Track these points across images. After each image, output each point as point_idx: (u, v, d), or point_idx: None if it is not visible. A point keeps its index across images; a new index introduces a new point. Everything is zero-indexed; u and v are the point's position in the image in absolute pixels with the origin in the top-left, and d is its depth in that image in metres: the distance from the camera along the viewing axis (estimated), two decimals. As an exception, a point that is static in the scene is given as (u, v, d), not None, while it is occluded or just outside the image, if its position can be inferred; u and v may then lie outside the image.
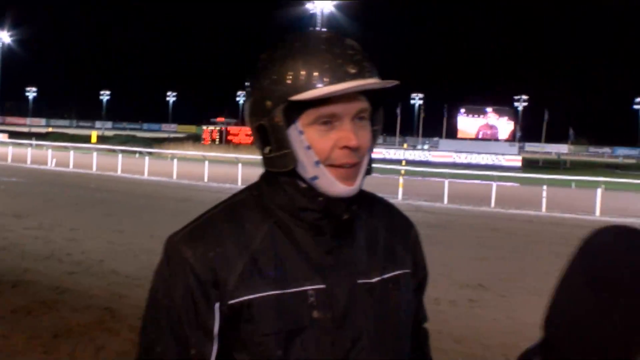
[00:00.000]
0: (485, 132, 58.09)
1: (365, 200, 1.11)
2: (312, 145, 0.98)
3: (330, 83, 0.95)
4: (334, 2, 52.32)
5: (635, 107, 78.35)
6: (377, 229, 1.11)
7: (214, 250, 0.99)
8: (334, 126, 0.98)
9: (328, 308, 0.99)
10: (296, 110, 0.97)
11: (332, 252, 1.03)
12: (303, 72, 0.96)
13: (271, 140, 0.99)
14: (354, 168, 1.00)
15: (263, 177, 1.08)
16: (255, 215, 1.03)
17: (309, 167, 0.99)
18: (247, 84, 1.04)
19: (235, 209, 1.05)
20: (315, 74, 0.96)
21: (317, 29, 1.03)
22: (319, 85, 0.95)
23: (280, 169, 1.00)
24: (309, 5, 52.17)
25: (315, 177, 0.99)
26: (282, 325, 0.97)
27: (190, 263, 0.98)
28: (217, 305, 0.98)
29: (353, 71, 0.96)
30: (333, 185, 0.99)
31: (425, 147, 55.37)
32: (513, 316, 5.89)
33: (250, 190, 1.09)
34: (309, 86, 0.95)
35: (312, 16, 51.98)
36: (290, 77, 0.96)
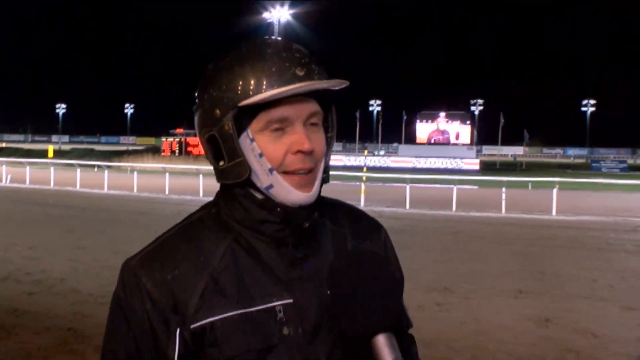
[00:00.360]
0: (437, 137, 58.70)
1: (329, 207, 1.09)
2: (265, 152, 0.95)
3: (279, 86, 0.93)
4: (291, 11, 52.43)
5: (583, 108, 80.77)
6: (344, 236, 1.07)
7: (171, 272, 0.95)
8: (285, 131, 0.95)
9: (298, 323, 0.96)
10: (246, 117, 0.95)
11: (297, 264, 0.99)
12: (251, 78, 0.94)
13: (223, 151, 0.97)
14: (309, 174, 0.97)
15: (219, 193, 1.04)
16: (214, 232, 1.00)
17: (262, 175, 0.96)
18: (195, 95, 1.02)
19: (192, 228, 1.01)
20: (263, 78, 0.94)
21: (266, 36, 1.02)
22: (268, 89, 0.93)
23: (235, 180, 0.97)
24: (266, 15, 52.14)
25: (270, 186, 0.96)
26: (250, 345, 0.93)
27: (147, 289, 0.94)
28: (177, 331, 0.94)
29: (301, 73, 0.95)
30: (289, 193, 0.96)
31: (382, 152, 55.57)
32: (479, 318, 5.96)
33: (208, 207, 1.05)
34: (257, 91, 0.93)
35: (270, 25, 51.98)
36: (238, 83, 0.94)
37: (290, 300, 0.96)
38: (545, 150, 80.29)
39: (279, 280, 0.97)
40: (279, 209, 0.97)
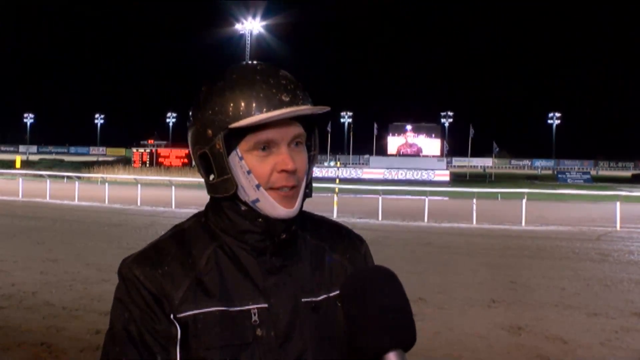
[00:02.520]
0: (406, 149, 58.97)
1: (312, 223, 1.18)
2: (252, 170, 1.04)
3: (266, 111, 1.02)
4: (263, 24, 52.51)
5: (550, 121, 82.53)
6: (323, 249, 1.15)
7: (161, 269, 1.04)
8: (271, 152, 1.04)
9: (271, 326, 1.03)
10: (236, 137, 1.03)
11: (275, 272, 1.07)
12: (241, 102, 1.03)
13: (213, 167, 1.05)
14: (293, 191, 1.05)
15: (208, 205, 1.13)
16: (201, 239, 1.09)
17: (250, 190, 1.05)
18: (189, 114, 1.10)
19: (182, 234, 1.10)
20: (252, 103, 1.02)
21: (253, 61, 1.11)
22: (256, 113, 1.02)
23: (223, 194, 1.06)
24: (238, 27, 52.13)
25: (256, 200, 1.05)
26: (227, 339, 1.01)
27: (141, 280, 1.03)
28: (172, 315, 1.02)
29: (287, 99, 1.04)
30: (274, 207, 1.04)
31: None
32: (453, 328, 6.03)
33: (198, 217, 1.14)
34: (246, 114, 1.02)
35: (242, 37, 51.97)
36: (229, 107, 1.03)
37: (265, 305, 1.04)
38: (513, 161, 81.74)
39: (257, 287, 1.05)
40: (260, 220, 1.06)
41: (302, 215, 1.13)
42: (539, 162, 77.89)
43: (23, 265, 8.82)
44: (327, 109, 1.06)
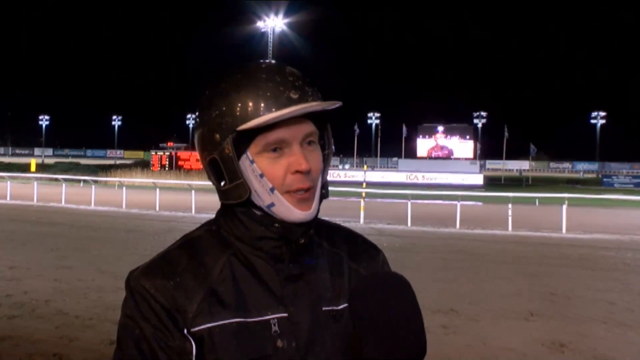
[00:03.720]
0: (437, 153, 58.50)
1: (327, 230, 1.18)
2: (265, 173, 1.03)
3: (275, 110, 1.01)
4: (286, 21, 52.72)
5: (593, 121, 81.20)
6: (341, 257, 1.15)
7: (173, 280, 1.03)
8: (283, 152, 1.03)
9: (292, 336, 1.03)
10: (245, 140, 1.03)
11: (293, 280, 1.07)
12: (247, 102, 1.02)
13: (224, 173, 1.05)
14: (308, 192, 1.04)
15: (220, 211, 1.13)
16: (214, 248, 1.08)
17: (264, 195, 1.04)
18: (196, 119, 1.12)
19: (193, 243, 1.09)
20: (259, 102, 1.02)
21: (258, 60, 1.11)
22: (264, 113, 1.01)
23: (235, 200, 1.05)
24: (259, 24, 52.45)
25: (271, 205, 1.04)
26: (246, 353, 1.00)
27: (151, 293, 1.02)
28: (185, 330, 1.00)
29: (295, 96, 1.03)
30: (290, 211, 1.03)
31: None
32: (487, 341, 5.94)
33: (208, 225, 1.13)
34: (254, 115, 1.01)
35: (264, 35, 52.27)
36: (235, 108, 1.02)
37: (285, 315, 1.04)
38: (552, 164, 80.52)
39: (275, 295, 1.05)
40: (276, 225, 1.05)
41: (317, 221, 1.12)
42: (582, 165, 76.66)
43: (36, 273, 8.96)
44: (338, 104, 1.05)
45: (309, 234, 1.07)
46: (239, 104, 1.02)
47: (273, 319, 1.03)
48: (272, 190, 1.03)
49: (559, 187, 38.05)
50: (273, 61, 1.10)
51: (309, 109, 1.02)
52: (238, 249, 1.07)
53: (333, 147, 1.14)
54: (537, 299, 7.94)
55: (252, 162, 1.03)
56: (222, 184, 1.06)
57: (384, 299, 0.93)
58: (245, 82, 1.04)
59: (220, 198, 1.09)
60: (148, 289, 1.02)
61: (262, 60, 1.10)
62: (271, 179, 1.02)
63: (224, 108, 1.03)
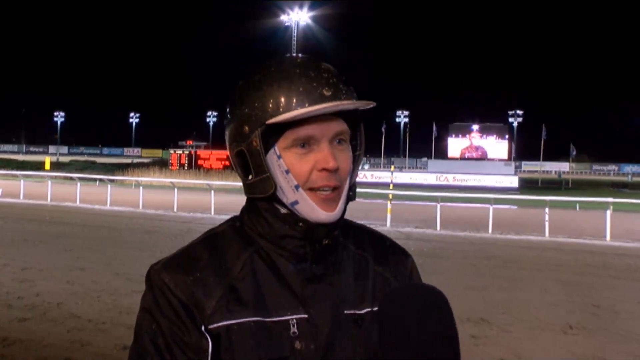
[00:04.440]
0: (471, 153, 57.92)
1: (353, 231, 1.20)
2: (291, 169, 1.05)
3: (307, 105, 1.04)
4: (310, 14, 52.77)
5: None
6: (366, 260, 1.17)
7: (193, 275, 1.06)
8: (312, 149, 1.06)
9: (311, 338, 1.05)
10: (274, 134, 1.06)
11: (315, 281, 1.08)
12: (279, 97, 1.05)
13: (250, 166, 1.08)
14: (334, 192, 1.06)
15: (244, 208, 1.15)
16: (236, 244, 1.11)
17: (288, 191, 1.06)
18: (226, 111, 1.14)
19: (215, 239, 1.13)
20: (291, 97, 1.05)
21: (293, 54, 1.14)
22: (295, 108, 1.04)
23: (261, 195, 1.08)
24: (283, 18, 52.60)
25: (295, 202, 1.06)
26: (263, 354, 1.02)
27: (171, 288, 1.05)
28: (203, 327, 1.03)
29: (328, 93, 1.05)
30: (313, 210, 1.06)
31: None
32: (520, 354, 5.85)
33: (232, 221, 1.16)
34: (285, 109, 1.04)
35: (288, 29, 52.41)
36: (267, 102, 1.05)
37: (305, 316, 1.06)
38: (595, 166, 79.28)
39: (295, 295, 1.07)
40: (301, 224, 1.07)
41: (344, 222, 1.13)
42: (629, 167, 75.12)
43: (48, 274, 9.09)
44: (372, 104, 1.07)
45: (333, 234, 1.09)
46: (271, 98, 1.05)
47: (292, 319, 1.05)
48: (296, 187, 1.05)
49: (602, 191, 37.37)
50: (308, 56, 1.12)
51: (341, 106, 1.04)
52: (261, 246, 1.10)
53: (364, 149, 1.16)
54: (577, 310, 7.80)
55: (279, 157, 1.06)
56: (249, 177, 1.09)
57: (420, 317, 0.91)
58: (279, 76, 1.06)
59: (246, 192, 1.11)
60: (167, 284, 1.05)
61: (297, 55, 1.13)
62: (296, 175, 1.05)
63: (255, 101, 1.06)
